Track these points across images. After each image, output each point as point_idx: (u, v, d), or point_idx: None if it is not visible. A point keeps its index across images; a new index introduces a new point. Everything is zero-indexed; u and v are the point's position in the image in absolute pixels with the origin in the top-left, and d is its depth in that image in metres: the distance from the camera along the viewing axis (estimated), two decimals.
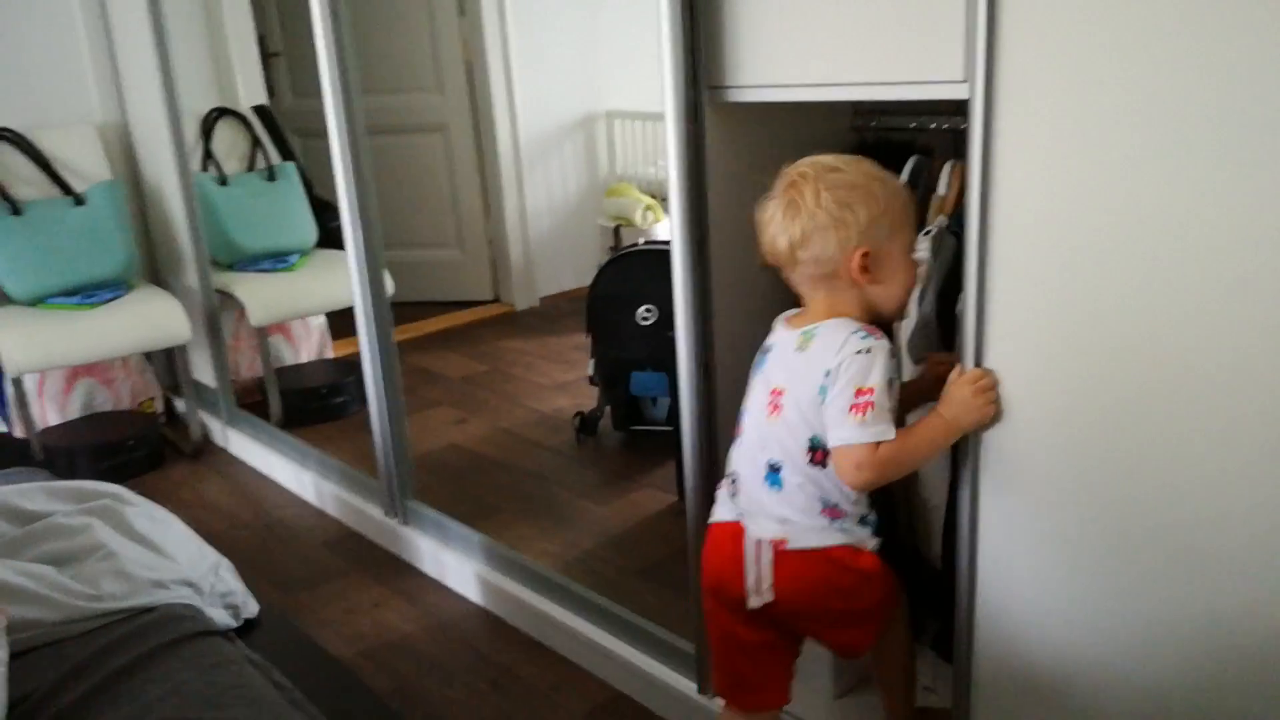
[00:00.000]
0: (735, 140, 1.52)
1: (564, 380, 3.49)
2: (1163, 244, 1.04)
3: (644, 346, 2.78)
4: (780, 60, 1.37)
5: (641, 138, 4.51)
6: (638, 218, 4.17)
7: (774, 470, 1.32)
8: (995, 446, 1.25)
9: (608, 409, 2.98)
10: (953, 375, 1.25)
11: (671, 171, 1.49)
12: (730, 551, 1.37)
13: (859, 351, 1.24)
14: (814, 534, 1.32)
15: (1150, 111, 1.02)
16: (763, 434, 1.34)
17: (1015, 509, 1.25)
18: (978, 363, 1.23)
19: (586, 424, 3.00)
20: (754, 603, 1.35)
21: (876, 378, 1.23)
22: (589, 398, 3.08)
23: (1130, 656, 1.18)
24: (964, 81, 1.15)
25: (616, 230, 4.25)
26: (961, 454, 1.29)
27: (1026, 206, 1.14)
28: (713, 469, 1.63)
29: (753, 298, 1.63)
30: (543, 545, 2.41)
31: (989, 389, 1.21)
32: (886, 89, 1.26)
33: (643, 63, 4.33)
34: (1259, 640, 1.07)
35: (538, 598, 2.09)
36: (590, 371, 3.00)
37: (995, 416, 1.23)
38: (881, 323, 1.34)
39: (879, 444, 1.23)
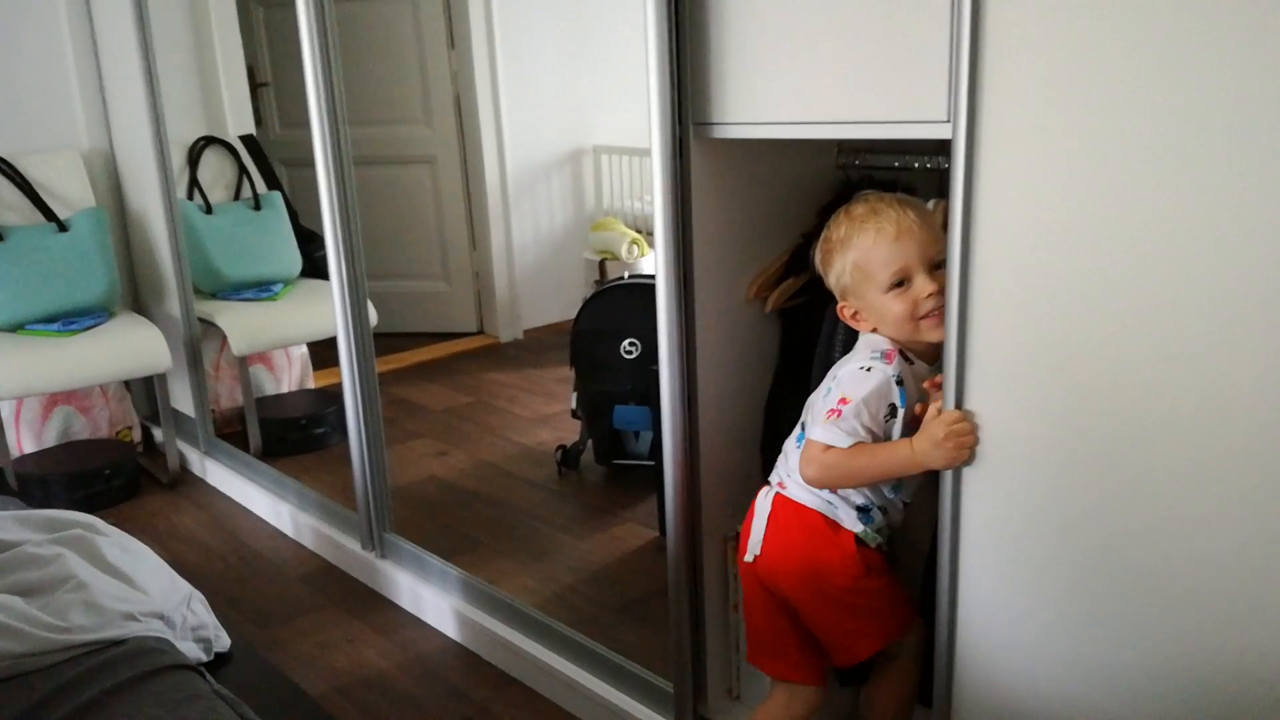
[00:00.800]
0: (721, 176, 1.52)
1: (546, 413, 3.48)
2: (1145, 285, 1.04)
3: (627, 380, 2.78)
4: (766, 97, 1.38)
5: (628, 173, 4.53)
6: (623, 252, 4.18)
7: (804, 430, 1.46)
8: (976, 486, 1.25)
9: (590, 443, 2.97)
10: (931, 411, 1.28)
11: (657, 205, 1.50)
12: (751, 507, 1.53)
13: (861, 368, 1.38)
14: (807, 492, 1.44)
15: (1131, 154, 1.03)
16: (808, 404, 1.49)
17: (997, 550, 1.25)
18: (958, 404, 1.24)
19: (568, 457, 2.99)
20: (748, 556, 1.50)
21: (859, 393, 1.35)
22: (571, 431, 3.07)
23: (1115, 700, 1.17)
24: (947, 122, 1.16)
25: (601, 264, 4.27)
26: (942, 494, 1.29)
27: (1008, 247, 1.15)
28: (695, 504, 1.62)
29: (737, 332, 1.63)
30: (522, 580, 2.39)
31: (962, 434, 1.23)
32: (871, 128, 1.27)
33: (630, 98, 4.38)
34: (1250, 684, 1.06)
35: (515, 634, 2.06)
36: (573, 405, 2.99)
37: (967, 460, 1.24)
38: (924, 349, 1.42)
39: (829, 447, 1.34)
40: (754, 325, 1.65)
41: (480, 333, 4.47)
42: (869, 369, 1.36)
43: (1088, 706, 1.20)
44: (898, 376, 1.36)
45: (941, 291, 1.31)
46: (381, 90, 4.24)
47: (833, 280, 1.44)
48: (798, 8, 1.31)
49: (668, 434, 1.61)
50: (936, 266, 1.34)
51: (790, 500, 1.46)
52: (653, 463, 2.78)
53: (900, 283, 1.36)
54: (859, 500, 1.43)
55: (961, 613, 1.31)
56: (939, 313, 1.33)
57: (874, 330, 1.42)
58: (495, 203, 4.32)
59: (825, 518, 1.43)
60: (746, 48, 1.38)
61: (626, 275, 3.48)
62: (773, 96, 1.37)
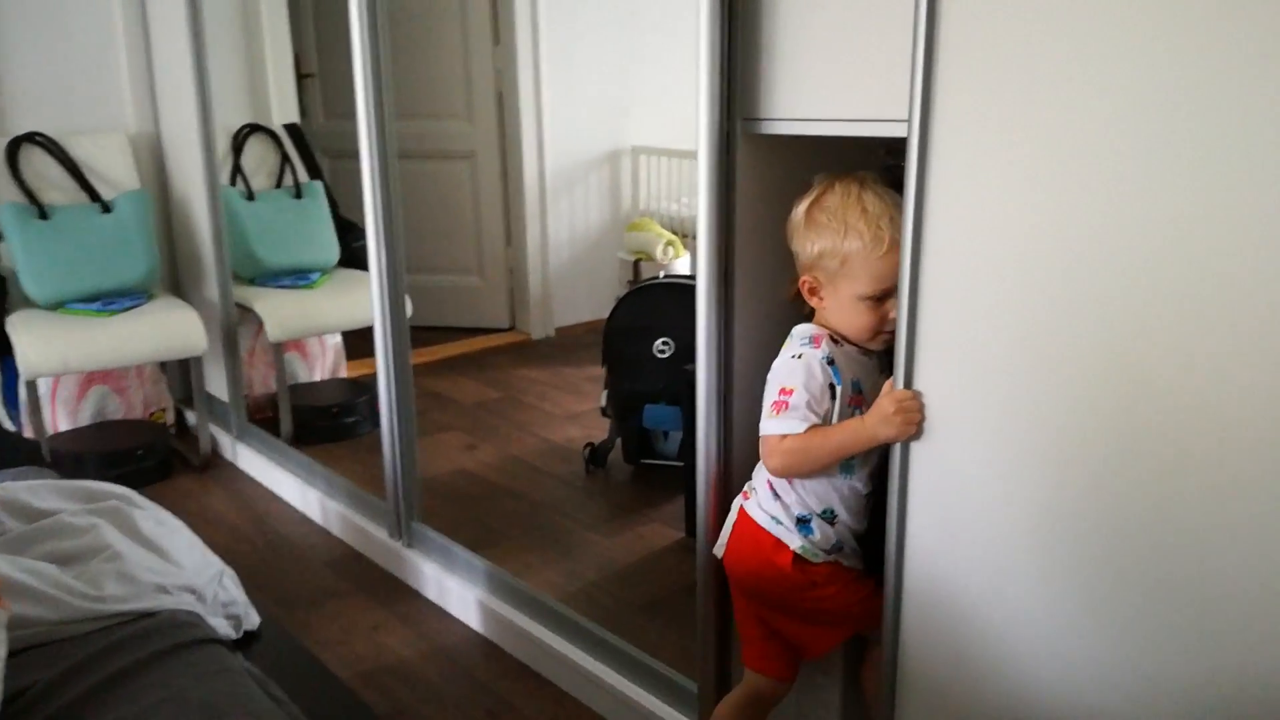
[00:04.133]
0: (766, 173, 1.52)
1: (576, 411, 3.48)
2: (1083, 274, 1.09)
3: (659, 379, 2.77)
4: (813, 94, 1.37)
5: (666, 174, 4.53)
6: (658, 253, 4.18)
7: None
8: (923, 460, 1.30)
9: (618, 441, 2.96)
10: (885, 388, 1.32)
11: (701, 200, 1.49)
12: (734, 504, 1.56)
13: (793, 356, 1.41)
14: (759, 509, 1.47)
15: (1074, 151, 1.08)
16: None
17: (942, 515, 1.30)
18: (908, 383, 1.29)
19: (596, 455, 2.99)
20: (716, 550, 1.56)
21: (798, 381, 1.37)
22: (600, 429, 3.07)
23: (1051, 660, 1.17)
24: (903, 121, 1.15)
25: (636, 264, 4.27)
26: (891, 466, 1.33)
27: (957, 238, 1.20)
28: (726, 504, 1.61)
29: (776, 333, 1.61)
30: (546, 575, 2.39)
31: (910, 410, 1.27)
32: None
33: (670, 100, 4.39)
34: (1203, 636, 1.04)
35: (539, 627, 2.06)
36: (603, 403, 2.99)
37: (915, 435, 1.28)
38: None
39: (785, 436, 1.36)
40: (792, 324, 1.64)
41: (512, 329, 4.48)
42: (799, 355, 1.40)
43: (1023, 663, 1.24)
44: (828, 357, 1.39)
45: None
46: (424, 84, 4.27)
47: (810, 250, 1.40)
48: (847, 6, 1.31)
49: (702, 433, 1.60)
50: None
51: (748, 516, 1.49)
52: (681, 463, 2.78)
53: (878, 298, 1.37)
54: (799, 511, 1.44)
55: (908, 573, 1.35)
56: (893, 333, 1.38)
57: (820, 311, 1.44)
58: (533, 200, 4.33)
59: (772, 537, 1.45)
60: (798, 44, 1.37)
61: (662, 275, 3.48)
62: (820, 92, 1.36)
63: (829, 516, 1.44)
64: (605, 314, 2.95)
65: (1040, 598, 1.21)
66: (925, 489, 1.31)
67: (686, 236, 4.28)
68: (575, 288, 4.47)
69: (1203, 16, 0.96)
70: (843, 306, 1.40)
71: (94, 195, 3.07)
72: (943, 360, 1.25)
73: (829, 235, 1.38)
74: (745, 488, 1.54)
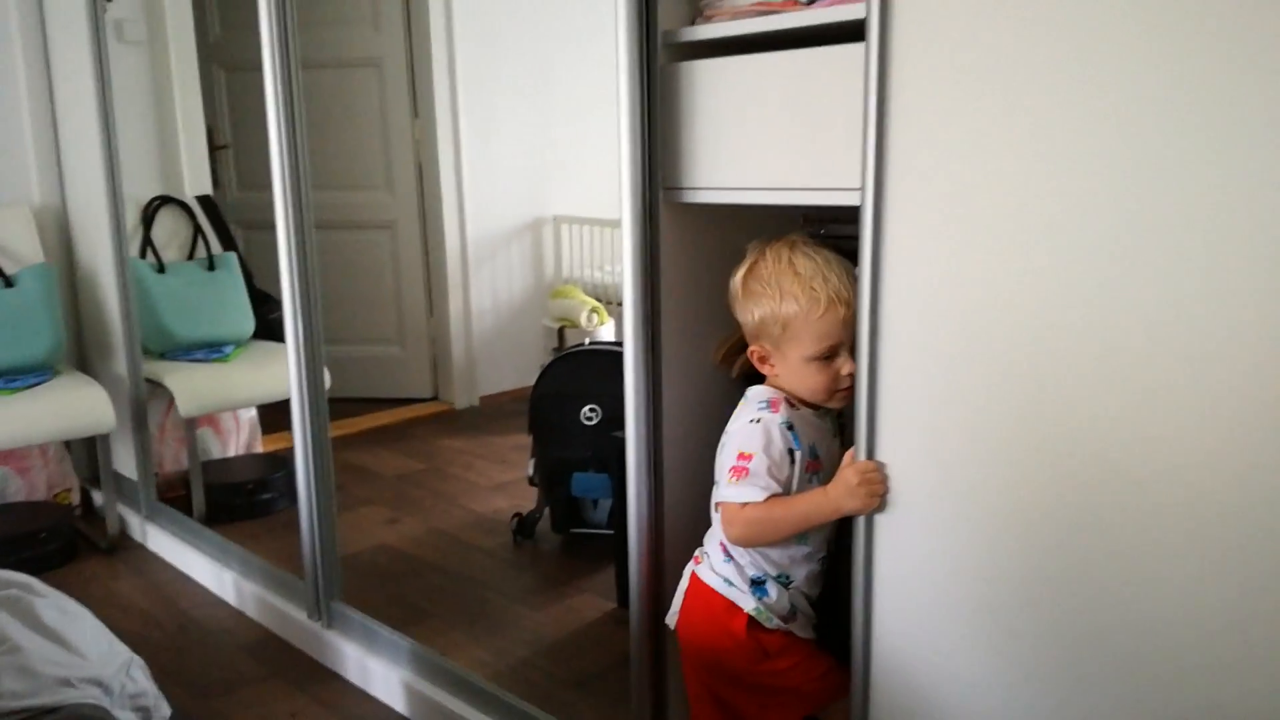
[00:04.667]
0: (689, 240, 1.53)
1: (502, 480, 3.43)
2: (1039, 339, 1.10)
3: (587, 446, 2.74)
4: (727, 164, 1.40)
5: (588, 242, 4.57)
6: (582, 319, 4.18)
7: (716, 506, 1.44)
8: (888, 532, 1.28)
9: (547, 511, 2.92)
10: (847, 458, 1.30)
11: (626, 268, 1.50)
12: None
13: (751, 420, 1.38)
14: (712, 572, 1.44)
15: (1032, 218, 1.09)
16: (717, 465, 1.46)
17: (908, 591, 1.27)
18: (870, 454, 1.27)
19: (524, 526, 2.94)
20: (668, 620, 1.52)
21: (757, 446, 1.35)
22: (527, 499, 3.02)
23: None
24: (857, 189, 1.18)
25: (561, 331, 4.26)
26: (855, 539, 1.31)
27: (914, 305, 1.20)
28: (660, 572, 1.59)
29: (704, 397, 1.62)
30: (474, 653, 2.32)
31: (874, 482, 1.25)
32: (825, 195, 1.31)
33: (592, 169, 4.44)
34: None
35: (467, 708, 1.99)
36: (530, 472, 2.94)
37: (879, 506, 1.27)
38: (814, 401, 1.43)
39: (745, 504, 1.34)
40: (722, 390, 1.64)
41: (435, 399, 4.42)
42: (758, 420, 1.37)
43: None
44: (787, 422, 1.38)
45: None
46: (343, 156, 4.24)
47: (752, 319, 1.42)
48: (758, 85, 1.35)
49: (633, 500, 1.58)
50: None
51: (700, 580, 1.46)
52: (611, 531, 2.74)
53: (827, 357, 1.37)
54: (753, 572, 1.42)
55: (875, 650, 1.32)
56: (850, 388, 1.36)
57: (772, 378, 1.43)
58: (454, 269, 4.31)
59: (725, 600, 1.42)
60: (713, 117, 1.41)
61: (587, 342, 3.47)
62: (732, 163, 1.40)
63: (784, 581, 1.42)
64: (530, 382, 2.93)
65: (1006, 676, 1.18)
66: (890, 563, 1.27)
67: (610, 303, 4.30)
68: (499, 356, 4.44)
69: (1151, 87, 0.98)
70: (794, 370, 1.40)
71: None
72: (904, 430, 1.23)
73: (766, 302, 1.39)
74: (697, 553, 1.51)
